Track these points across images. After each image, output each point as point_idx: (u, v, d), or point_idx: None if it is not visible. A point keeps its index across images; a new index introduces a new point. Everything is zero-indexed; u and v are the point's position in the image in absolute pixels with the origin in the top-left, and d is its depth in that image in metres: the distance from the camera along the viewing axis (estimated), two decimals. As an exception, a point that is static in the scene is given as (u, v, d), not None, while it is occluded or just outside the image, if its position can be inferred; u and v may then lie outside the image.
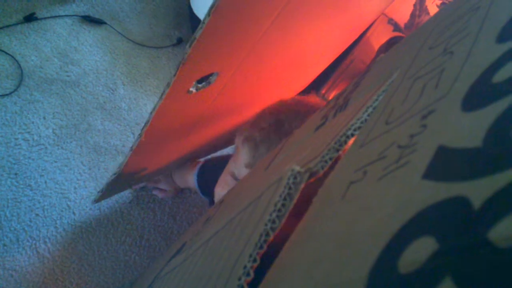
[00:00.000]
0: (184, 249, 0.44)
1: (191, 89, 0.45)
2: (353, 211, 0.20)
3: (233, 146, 0.96)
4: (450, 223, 0.14)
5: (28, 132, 0.80)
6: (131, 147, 0.53)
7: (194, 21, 0.99)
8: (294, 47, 0.58)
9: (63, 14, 0.95)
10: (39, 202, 0.75)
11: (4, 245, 0.70)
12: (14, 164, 0.76)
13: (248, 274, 0.22)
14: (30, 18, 0.90)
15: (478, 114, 0.18)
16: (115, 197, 0.82)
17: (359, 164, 0.24)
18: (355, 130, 0.28)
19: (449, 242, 0.13)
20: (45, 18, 0.93)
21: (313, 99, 0.69)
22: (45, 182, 0.77)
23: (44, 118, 0.82)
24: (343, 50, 0.83)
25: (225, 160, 0.72)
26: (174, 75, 0.41)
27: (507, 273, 0.11)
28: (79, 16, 0.96)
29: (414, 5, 0.91)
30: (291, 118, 0.62)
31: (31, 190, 0.76)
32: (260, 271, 0.23)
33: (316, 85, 0.89)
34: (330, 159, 0.27)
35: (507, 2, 0.26)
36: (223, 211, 0.40)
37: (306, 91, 0.84)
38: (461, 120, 0.19)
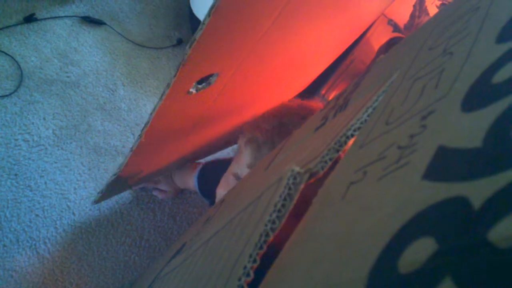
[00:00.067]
0: (184, 249, 0.44)
1: (191, 90, 0.45)
2: (353, 211, 0.20)
3: (233, 147, 0.97)
4: (450, 223, 0.14)
5: (28, 133, 0.80)
6: (131, 147, 0.53)
7: (194, 21, 0.99)
8: (294, 48, 0.58)
9: (63, 15, 0.95)
10: (39, 203, 0.75)
11: (4, 245, 0.70)
12: (14, 165, 0.76)
13: (248, 275, 0.22)
14: (30, 19, 0.90)
15: (478, 114, 0.18)
16: (115, 198, 0.82)
17: (359, 165, 0.24)
18: (355, 130, 0.28)
19: (449, 242, 0.13)
20: (45, 19, 0.93)
21: (316, 103, 0.70)
22: (45, 182, 0.77)
23: (44, 119, 0.82)
24: (343, 50, 0.83)
25: (225, 162, 0.73)
26: (174, 76, 0.41)
27: (507, 273, 0.11)
28: (79, 17, 0.96)
29: (414, 5, 0.91)
30: (294, 121, 0.62)
31: (31, 190, 0.76)
32: (260, 272, 0.23)
33: (316, 86, 0.89)
34: (330, 159, 0.27)
35: (507, 2, 0.26)
36: (223, 211, 0.40)
37: (307, 91, 0.84)
38: (461, 121, 0.19)
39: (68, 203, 0.77)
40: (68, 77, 0.89)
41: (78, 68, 0.91)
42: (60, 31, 0.93)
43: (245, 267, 0.22)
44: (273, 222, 0.24)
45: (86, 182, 0.80)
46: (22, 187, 0.75)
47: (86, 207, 0.78)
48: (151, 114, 0.47)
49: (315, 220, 0.23)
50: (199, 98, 0.49)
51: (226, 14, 0.37)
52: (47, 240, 0.73)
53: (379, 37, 0.91)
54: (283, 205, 0.24)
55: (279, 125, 0.62)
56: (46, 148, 0.80)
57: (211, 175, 0.77)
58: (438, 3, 0.92)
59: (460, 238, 0.13)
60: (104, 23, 0.98)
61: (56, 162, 0.79)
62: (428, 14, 0.91)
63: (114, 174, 0.60)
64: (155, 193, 0.85)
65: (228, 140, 0.84)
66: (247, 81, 0.56)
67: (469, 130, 0.17)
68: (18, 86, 0.83)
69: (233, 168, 0.67)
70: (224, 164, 0.72)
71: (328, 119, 0.38)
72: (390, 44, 0.91)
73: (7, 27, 0.88)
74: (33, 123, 0.81)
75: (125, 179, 0.67)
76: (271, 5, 0.42)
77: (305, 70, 0.75)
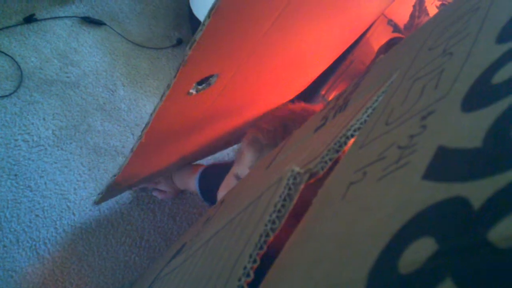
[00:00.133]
0: (184, 249, 0.44)
1: (191, 90, 0.45)
2: (353, 211, 0.20)
3: (233, 148, 0.97)
4: (450, 223, 0.14)
5: (28, 133, 0.80)
6: (132, 148, 0.53)
7: (193, 22, 0.99)
8: (294, 48, 0.58)
9: (63, 15, 0.95)
10: (39, 203, 0.75)
11: (4, 246, 0.70)
12: (14, 165, 0.76)
13: (248, 275, 0.22)
14: (29, 19, 0.90)
15: (478, 114, 0.18)
16: (115, 198, 0.82)
17: (359, 165, 0.24)
18: (355, 131, 0.28)
19: (449, 243, 0.13)
20: (44, 19, 0.93)
21: (319, 107, 0.70)
22: (45, 183, 0.77)
23: (44, 119, 0.82)
24: (343, 50, 0.83)
25: (227, 165, 0.73)
26: (175, 77, 0.41)
27: (507, 273, 0.11)
28: (78, 17, 0.96)
29: (414, 6, 0.91)
30: (297, 123, 0.62)
31: (31, 191, 0.76)
32: (260, 272, 0.23)
33: (316, 86, 0.89)
34: (330, 159, 0.27)
35: (507, 3, 0.26)
36: (223, 211, 0.40)
37: (307, 91, 0.84)
38: (461, 121, 0.19)
39: (68, 204, 0.77)
40: (68, 77, 0.89)
41: (78, 68, 0.91)
42: (60, 32, 0.93)
43: (245, 267, 0.22)
44: (273, 222, 0.24)
45: (86, 183, 0.80)
46: (22, 187, 0.75)
47: (86, 208, 0.78)
48: (151, 115, 0.47)
49: (315, 220, 0.23)
50: (199, 99, 0.49)
51: (226, 15, 0.37)
52: (47, 241, 0.73)
53: (379, 38, 0.91)
54: (283, 205, 0.24)
55: (282, 127, 0.62)
56: (46, 149, 0.80)
57: (212, 178, 0.77)
58: (438, 3, 0.92)
59: (460, 238, 0.13)
60: (104, 24, 0.98)
61: (56, 163, 0.79)
62: (428, 14, 0.91)
63: (115, 175, 0.60)
64: (155, 193, 0.85)
65: (228, 140, 0.84)
66: (247, 82, 0.56)
67: (469, 130, 0.17)
68: (18, 87, 0.83)
69: (234, 170, 0.68)
70: (226, 167, 0.72)
71: (328, 119, 0.38)
72: (390, 44, 0.91)
73: (7, 27, 0.88)
74: (33, 124, 0.81)
75: (120, 184, 0.67)
76: (271, 6, 0.42)
77: (305, 70, 0.75)
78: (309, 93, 0.90)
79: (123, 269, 0.77)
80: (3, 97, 0.81)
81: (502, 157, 0.15)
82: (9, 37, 0.87)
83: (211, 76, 0.46)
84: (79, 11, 0.98)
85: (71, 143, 0.82)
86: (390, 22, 0.90)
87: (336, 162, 0.27)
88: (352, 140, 0.28)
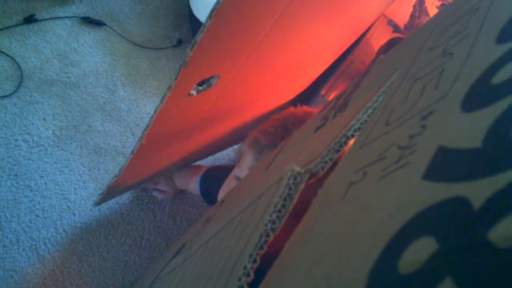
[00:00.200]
0: (184, 249, 0.44)
1: (192, 91, 0.45)
2: (353, 211, 0.20)
3: (233, 148, 0.97)
4: (450, 223, 0.14)
5: (28, 133, 0.80)
6: (132, 150, 0.53)
7: (193, 22, 0.99)
8: (294, 48, 0.58)
9: (63, 15, 0.95)
10: (39, 203, 0.75)
11: (4, 246, 0.70)
12: (14, 165, 0.76)
13: (248, 275, 0.22)
14: (30, 19, 0.90)
15: (478, 114, 0.18)
16: (115, 198, 0.82)
17: (359, 165, 0.24)
18: (355, 131, 0.28)
19: (449, 243, 0.13)
20: (45, 20, 0.93)
21: None
22: (45, 183, 0.77)
23: (44, 119, 0.82)
24: (343, 51, 0.83)
25: (228, 168, 0.73)
26: (175, 78, 0.40)
27: (507, 273, 0.11)
28: (79, 17, 0.96)
29: (414, 6, 0.91)
30: (298, 125, 0.62)
31: (31, 191, 0.76)
32: (260, 272, 0.23)
33: (316, 86, 0.89)
34: (330, 160, 0.27)
35: (507, 3, 0.26)
36: (223, 211, 0.40)
37: (307, 92, 0.84)
38: (460, 121, 0.19)
39: (68, 204, 0.77)
40: (68, 77, 0.89)
41: (78, 68, 0.91)
42: (60, 32, 0.93)
43: (245, 267, 0.22)
44: (273, 222, 0.24)
45: (86, 183, 0.80)
46: (22, 187, 0.75)
47: (86, 208, 0.78)
48: (152, 116, 0.47)
49: (315, 220, 0.23)
50: (199, 99, 0.49)
51: (227, 17, 0.37)
52: (47, 241, 0.73)
53: (379, 38, 0.91)
54: (283, 205, 0.24)
55: (282, 129, 0.62)
56: (46, 149, 0.80)
57: (214, 180, 0.77)
58: (438, 3, 0.92)
59: (460, 238, 0.13)
60: (104, 24, 0.98)
61: (56, 163, 0.79)
62: (428, 14, 0.91)
63: (115, 176, 0.60)
64: (155, 193, 0.85)
65: (228, 140, 0.84)
66: (247, 82, 0.56)
67: (469, 130, 0.17)
68: (18, 87, 0.83)
69: (235, 172, 0.68)
70: (227, 170, 0.72)
71: (328, 119, 0.38)
72: (390, 44, 0.91)
73: (7, 27, 0.88)
74: (33, 124, 0.81)
75: (120, 185, 0.67)
76: (272, 7, 0.42)
77: (305, 71, 0.75)
78: (309, 93, 0.90)
79: (123, 269, 0.77)
80: (3, 97, 0.81)
81: (502, 157, 0.15)
82: (9, 37, 0.87)
83: (212, 77, 0.46)
84: (79, 11, 0.98)
85: (71, 143, 0.82)
86: (390, 22, 0.90)
87: (336, 162, 0.27)
88: (352, 140, 0.28)
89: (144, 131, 0.49)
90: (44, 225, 0.74)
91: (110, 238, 0.78)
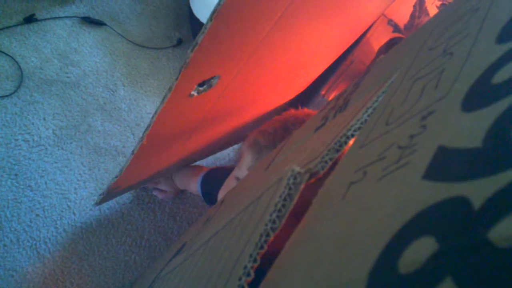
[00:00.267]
0: (184, 249, 0.44)
1: (192, 92, 0.45)
2: (353, 211, 0.20)
3: (233, 148, 0.97)
4: (450, 223, 0.14)
5: (28, 133, 0.80)
6: (133, 150, 0.53)
7: (194, 22, 0.99)
8: (294, 49, 0.58)
9: (63, 15, 0.95)
10: (40, 203, 0.75)
11: (5, 245, 0.70)
12: (14, 165, 0.76)
13: (248, 274, 0.22)
14: (30, 19, 0.90)
15: (478, 114, 0.18)
16: (116, 198, 0.82)
17: (359, 165, 0.24)
18: (355, 130, 0.28)
19: (449, 242, 0.13)
20: (45, 20, 0.93)
21: None
22: (45, 183, 0.77)
23: (44, 119, 0.82)
24: (343, 51, 0.83)
25: (229, 169, 0.73)
26: (176, 79, 0.40)
27: (507, 273, 0.11)
28: (79, 17, 0.96)
29: (414, 6, 0.91)
30: (298, 126, 0.62)
31: (31, 190, 0.76)
32: (260, 272, 0.23)
33: (316, 86, 0.89)
34: (330, 159, 0.27)
35: (507, 3, 0.26)
36: (223, 211, 0.40)
37: (307, 92, 0.84)
38: (461, 121, 0.19)
39: (69, 203, 0.77)
40: (68, 77, 0.89)
41: (78, 68, 0.91)
42: (60, 32, 0.93)
43: (245, 267, 0.22)
44: (274, 222, 0.24)
45: (87, 182, 0.80)
46: (22, 187, 0.75)
47: (87, 207, 0.78)
48: (152, 117, 0.47)
49: (315, 220, 0.23)
50: (200, 100, 0.49)
51: (228, 18, 0.37)
52: (47, 240, 0.73)
53: (379, 38, 0.91)
54: (283, 205, 0.24)
55: (282, 130, 0.62)
56: (46, 148, 0.80)
57: (214, 182, 0.77)
58: (438, 3, 0.92)
59: (460, 238, 0.13)
60: (104, 24, 0.98)
61: (56, 162, 0.79)
62: (428, 14, 0.91)
63: (116, 177, 0.60)
64: (155, 193, 0.85)
65: (228, 140, 0.84)
66: (247, 83, 0.57)
67: (469, 130, 0.17)
68: (18, 87, 0.83)
69: (235, 172, 0.68)
70: (228, 171, 0.72)
71: (328, 119, 0.38)
72: (390, 44, 0.91)
73: (7, 27, 0.88)
74: (33, 123, 0.81)
75: (120, 185, 0.67)
76: (272, 8, 0.42)
77: (305, 71, 0.75)
78: (309, 93, 0.90)
79: (124, 268, 0.77)
80: (3, 97, 0.81)
81: (502, 157, 0.15)
82: (9, 37, 0.87)
83: (213, 77, 0.46)
84: (79, 11, 0.98)
85: (71, 143, 0.82)
86: (390, 22, 0.90)
87: (336, 162, 0.27)
88: (352, 140, 0.28)
89: (145, 131, 0.49)
90: (45, 225, 0.74)
91: (111, 238, 0.78)
